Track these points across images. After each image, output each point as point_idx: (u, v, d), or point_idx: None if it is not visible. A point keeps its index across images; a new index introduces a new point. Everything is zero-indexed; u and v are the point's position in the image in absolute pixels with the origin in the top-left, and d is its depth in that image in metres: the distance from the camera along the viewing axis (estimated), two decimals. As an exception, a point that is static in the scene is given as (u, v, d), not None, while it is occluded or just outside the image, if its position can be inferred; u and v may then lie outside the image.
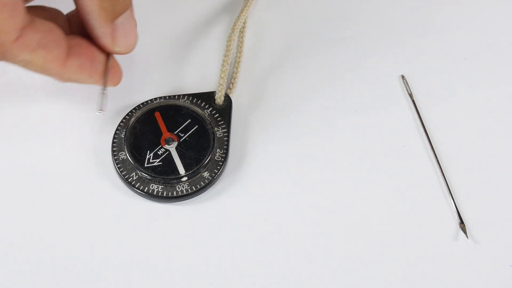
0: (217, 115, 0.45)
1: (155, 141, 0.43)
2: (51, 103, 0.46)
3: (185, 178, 0.42)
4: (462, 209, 0.42)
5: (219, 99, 0.45)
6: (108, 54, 0.41)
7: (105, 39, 0.40)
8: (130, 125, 0.44)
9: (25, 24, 0.36)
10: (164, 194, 0.41)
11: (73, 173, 0.43)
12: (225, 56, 0.47)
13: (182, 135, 0.43)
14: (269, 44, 0.50)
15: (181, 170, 0.42)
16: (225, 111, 0.45)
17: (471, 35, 0.51)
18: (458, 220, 0.42)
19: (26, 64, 0.38)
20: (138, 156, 0.42)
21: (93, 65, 0.40)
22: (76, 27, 0.41)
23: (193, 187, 0.42)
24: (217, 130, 0.44)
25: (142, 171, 0.42)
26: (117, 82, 0.41)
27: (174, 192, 0.42)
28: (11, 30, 0.36)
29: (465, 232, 0.41)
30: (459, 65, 0.49)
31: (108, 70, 0.41)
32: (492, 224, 0.42)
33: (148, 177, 0.42)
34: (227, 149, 0.43)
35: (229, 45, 0.48)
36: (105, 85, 0.40)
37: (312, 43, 0.50)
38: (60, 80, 0.40)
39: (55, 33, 0.38)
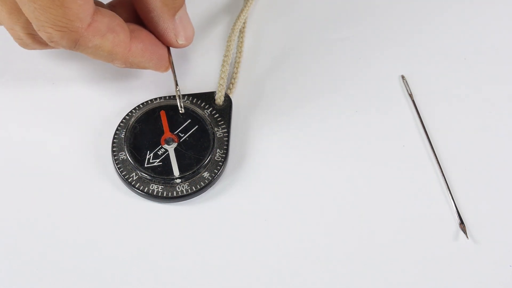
0: (217, 115, 0.45)
1: (155, 141, 0.43)
2: (50, 103, 0.46)
3: (179, 180, 0.42)
4: (462, 209, 0.42)
5: (219, 99, 0.45)
6: (168, 48, 0.43)
7: (168, 34, 0.42)
8: (130, 125, 0.44)
9: (94, 10, 0.38)
10: (164, 194, 0.41)
11: (73, 173, 0.43)
12: (225, 56, 0.47)
13: (182, 135, 0.43)
14: (269, 44, 0.50)
15: (176, 172, 0.42)
16: (225, 111, 0.45)
17: (471, 35, 0.51)
18: (458, 220, 0.42)
19: (96, 50, 0.39)
20: (138, 156, 0.42)
21: (154, 49, 0.42)
22: (123, 16, 0.42)
23: (193, 187, 0.42)
24: (217, 130, 0.44)
25: (142, 171, 0.42)
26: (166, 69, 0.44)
27: (174, 192, 0.42)
28: (85, 16, 0.37)
29: (465, 232, 0.41)
30: (459, 65, 0.49)
31: (172, 64, 0.43)
32: (492, 224, 0.42)
33: (148, 177, 0.42)
34: (227, 149, 0.43)
35: (229, 45, 0.48)
36: (175, 81, 0.43)
37: (312, 43, 0.50)
38: (122, 65, 0.41)
39: (118, 18, 0.40)
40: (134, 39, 0.41)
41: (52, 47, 0.39)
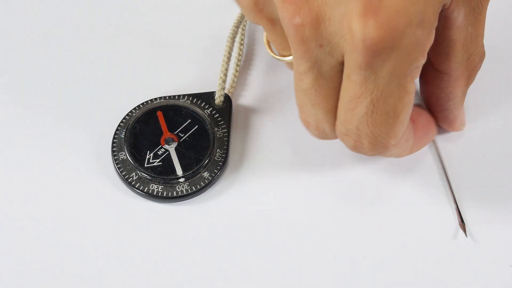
0: (217, 115, 0.45)
1: (155, 141, 0.43)
2: (50, 103, 0.46)
3: (182, 179, 0.42)
4: (462, 208, 0.42)
5: (219, 99, 0.45)
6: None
7: (456, 122, 0.42)
8: (130, 125, 0.44)
9: None
10: (164, 194, 0.42)
11: (73, 173, 0.43)
12: (225, 56, 0.47)
13: (182, 135, 0.43)
14: (269, 44, 0.50)
15: (179, 171, 0.42)
16: (225, 111, 0.45)
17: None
18: (458, 219, 0.42)
19: (384, 156, 0.39)
20: (138, 156, 0.42)
21: (423, 141, 0.42)
22: None
23: (193, 187, 0.42)
24: (217, 130, 0.44)
25: (142, 171, 0.42)
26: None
27: (174, 192, 0.42)
28: (400, 135, 0.37)
29: (464, 231, 0.41)
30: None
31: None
32: (492, 224, 0.42)
33: (148, 177, 0.42)
34: (227, 149, 0.43)
35: (229, 45, 0.47)
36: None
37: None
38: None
39: (410, 124, 0.39)
40: (415, 139, 0.40)
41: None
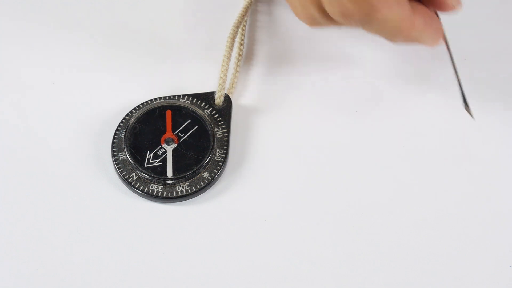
0: (217, 115, 0.45)
1: (155, 142, 0.43)
2: (50, 103, 0.46)
3: (170, 181, 0.42)
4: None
5: (219, 99, 0.45)
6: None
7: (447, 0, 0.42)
8: (130, 125, 0.44)
9: None
10: (164, 195, 0.42)
11: (73, 173, 0.43)
12: (225, 56, 0.47)
13: (182, 135, 0.43)
14: (270, 44, 0.50)
15: (169, 173, 0.42)
16: (225, 111, 0.45)
17: (471, 36, 0.51)
18: (463, 103, 0.42)
19: (383, 26, 0.39)
20: (138, 157, 0.42)
21: (432, 22, 0.41)
22: None
23: (193, 187, 0.42)
24: (217, 131, 0.44)
25: (142, 172, 0.42)
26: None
27: (174, 192, 0.42)
28: None
29: (470, 113, 0.42)
30: (459, 65, 0.49)
31: (445, 37, 0.43)
32: (492, 224, 0.42)
33: (148, 178, 0.42)
34: (227, 150, 0.43)
35: (229, 45, 0.47)
36: (450, 55, 0.43)
37: (313, 42, 0.50)
38: (401, 41, 0.41)
39: None
40: (416, 13, 0.40)
41: (340, 24, 0.39)
